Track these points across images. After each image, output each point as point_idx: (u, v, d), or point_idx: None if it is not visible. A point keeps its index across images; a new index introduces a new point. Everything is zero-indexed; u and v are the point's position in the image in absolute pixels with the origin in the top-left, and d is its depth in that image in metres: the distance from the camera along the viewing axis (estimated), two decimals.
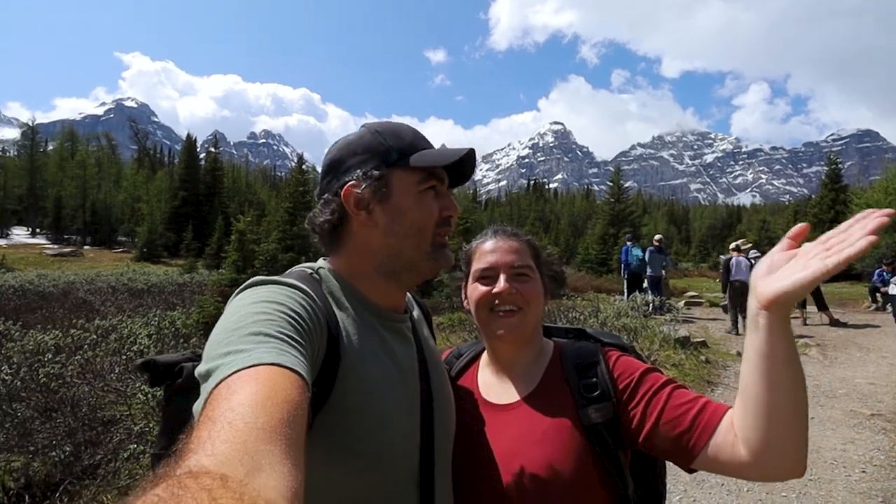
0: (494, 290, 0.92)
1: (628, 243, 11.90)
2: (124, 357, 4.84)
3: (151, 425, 3.63)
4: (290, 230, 12.21)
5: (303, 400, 0.51)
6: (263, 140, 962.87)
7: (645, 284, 11.27)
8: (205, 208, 39.54)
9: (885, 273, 12.74)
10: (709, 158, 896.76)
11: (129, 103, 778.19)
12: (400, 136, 0.81)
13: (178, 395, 0.74)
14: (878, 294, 12.79)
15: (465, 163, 0.82)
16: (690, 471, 0.81)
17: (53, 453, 3.48)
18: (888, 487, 3.56)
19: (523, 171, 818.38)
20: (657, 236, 11.69)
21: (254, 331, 0.57)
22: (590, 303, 8.90)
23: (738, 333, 8.99)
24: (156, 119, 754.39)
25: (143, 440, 3.50)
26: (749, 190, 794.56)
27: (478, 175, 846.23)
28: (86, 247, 35.62)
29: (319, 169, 0.86)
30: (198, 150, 45.40)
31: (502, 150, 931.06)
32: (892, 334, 9.03)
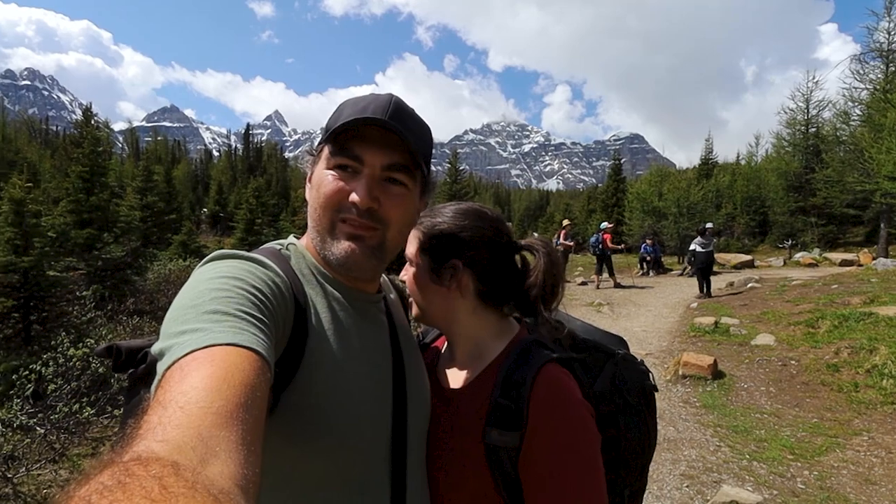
0: None
1: None
2: None
3: None
4: (87, 201, 9.74)
5: (262, 381, 0.49)
6: (27, 82, 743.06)
7: None
8: None
9: (647, 247, 16.58)
10: (526, 148, 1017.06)
11: None
12: (344, 109, 0.75)
13: (140, 382, 0.67)
14: (644, 263, 16.58)
15: (388, 124, 0.70)
16: None
17: None
18: (660, 406, 4.77)
19: None
20: None
21: (210, 308, 0.55)
22: None
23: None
24: None
25: None
26: (555, 177, 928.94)
27: None
28: None
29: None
30: None
31: None
32: (653, 293, 11.86)
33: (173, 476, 0.32)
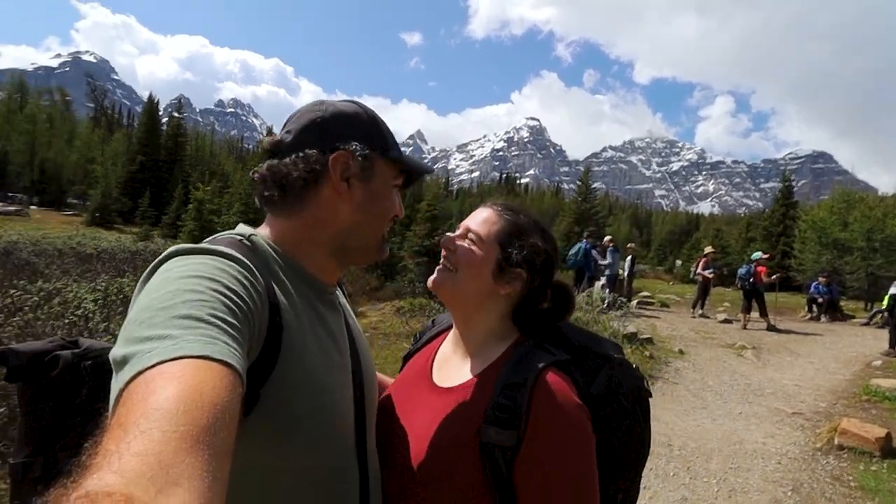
0: (439, 240, 0.95)
1: (585, 241, 12.35)
2: (67, 321, 4.66)
3: None
4: (255, 204, 11.80)
5: (233, 398, 0.47)
6: (232, 109, 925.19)
7: (603, 281, 11.82)
8: (164, 175, 37.90)
9: (820, 286, 13.69)
10: (675, 167, 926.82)
11: (87, 57, 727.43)
12: (388, 130, 0.87)
13: (49, 389, 0.67)
14: (814, 305, 13.73)
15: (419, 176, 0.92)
16: None
17: None
18: (798, 477, 3.90)
19: (497, 163, 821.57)
20: (608, 237, 12.49)
21: (182, 313, 0.52)
22: None
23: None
24: (116, 77, 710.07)
25: None
26: (709, 200, 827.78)
27: (451, 164, 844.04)
28: (32, 207, 33.36)
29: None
30: (160, 113, 43.23)
31: (477, 140, 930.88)
32: (821, 342, 9.75)
33: None
